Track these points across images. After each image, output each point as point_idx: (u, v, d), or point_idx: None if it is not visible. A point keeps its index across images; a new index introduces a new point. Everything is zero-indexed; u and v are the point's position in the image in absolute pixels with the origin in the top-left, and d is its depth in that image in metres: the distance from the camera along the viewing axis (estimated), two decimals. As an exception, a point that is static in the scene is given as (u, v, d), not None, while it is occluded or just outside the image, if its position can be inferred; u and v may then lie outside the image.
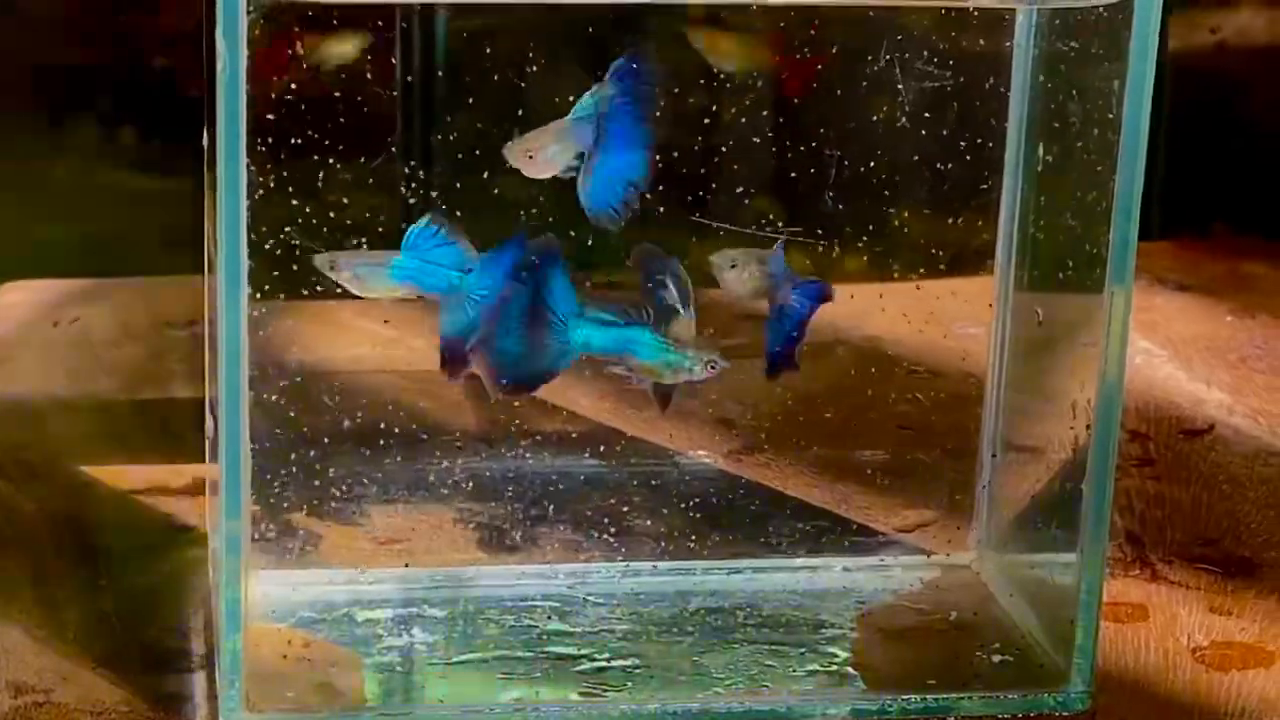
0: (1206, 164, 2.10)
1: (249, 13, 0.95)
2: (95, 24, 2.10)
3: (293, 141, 1.12)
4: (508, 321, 1.09)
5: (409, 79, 1.17)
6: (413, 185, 1.17)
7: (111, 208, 2.09)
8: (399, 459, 1.20)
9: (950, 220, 1.21)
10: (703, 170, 1.19)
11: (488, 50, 1.19)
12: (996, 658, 1.14)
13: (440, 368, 1.10)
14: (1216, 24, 2.07)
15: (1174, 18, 2.08)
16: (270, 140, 1.10)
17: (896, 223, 1.22)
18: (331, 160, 1.13)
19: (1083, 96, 1.09)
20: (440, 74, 1.21)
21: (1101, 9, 1.06)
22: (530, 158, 1.07)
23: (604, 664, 1.12)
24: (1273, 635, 1.18)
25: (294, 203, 1.13)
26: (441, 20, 1.25)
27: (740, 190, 1.19)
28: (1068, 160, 1.12)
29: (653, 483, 1.23)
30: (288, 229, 1.13)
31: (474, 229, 1.15)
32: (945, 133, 1.18)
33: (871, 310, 1.25)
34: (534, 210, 1.16)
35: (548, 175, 1.08)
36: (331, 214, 1.14)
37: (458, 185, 1.16)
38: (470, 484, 1.22)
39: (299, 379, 1.18)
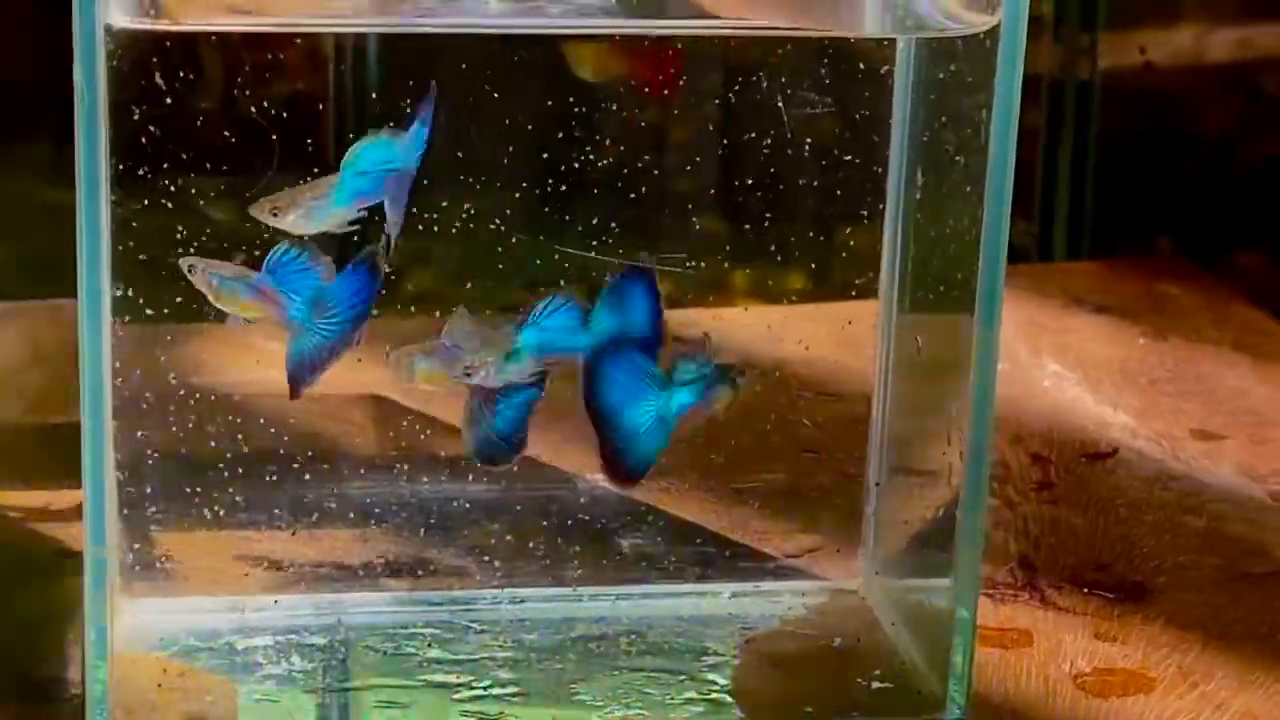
0: (1141, 184, 2.10)
1: (105, 44, 0.95)
2: (42, 40, 2.10)
3: (183, 160, 1.12)
4: (610, 415, 1.10)
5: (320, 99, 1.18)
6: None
7: (57, 227, 2.08)
8: (287, 483, 1.20)
9: (852, 244, 1.21)
10: (595, 198, 1.19)
11: (380, 68, 1.19)
12: (876, 684, 1.14)
13: (290, 393, 1.10)
14: (1145, 43, 2.07)
15: (1104, 36, 2.09)
16: (161, 160, 1.11)
17: (800, 246, 1.22)
18: (219, 177, 1.14)
19: (956, 124, 1.09)
20: (338, 94, 1.21)
21: (981, 35, 1.06)
22: (274, 215, 1.06)
23: (482, 691, 1.12)
24: (1155, 661, 1.18)
25: (192, 222, 1.13)
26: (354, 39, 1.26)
27: (632, 219, 1.20)
28: (943, 187, 1.12)
29: (545, 508, 1.23)
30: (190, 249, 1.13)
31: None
32: (834, 157, 1.18)
33: (777, 334, 1.25)
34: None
35: (313, 231, 1.07)
36: (220, 230, 1.14)
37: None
38: (358, 509, 1.21)
39: (185, 401, 1.18)
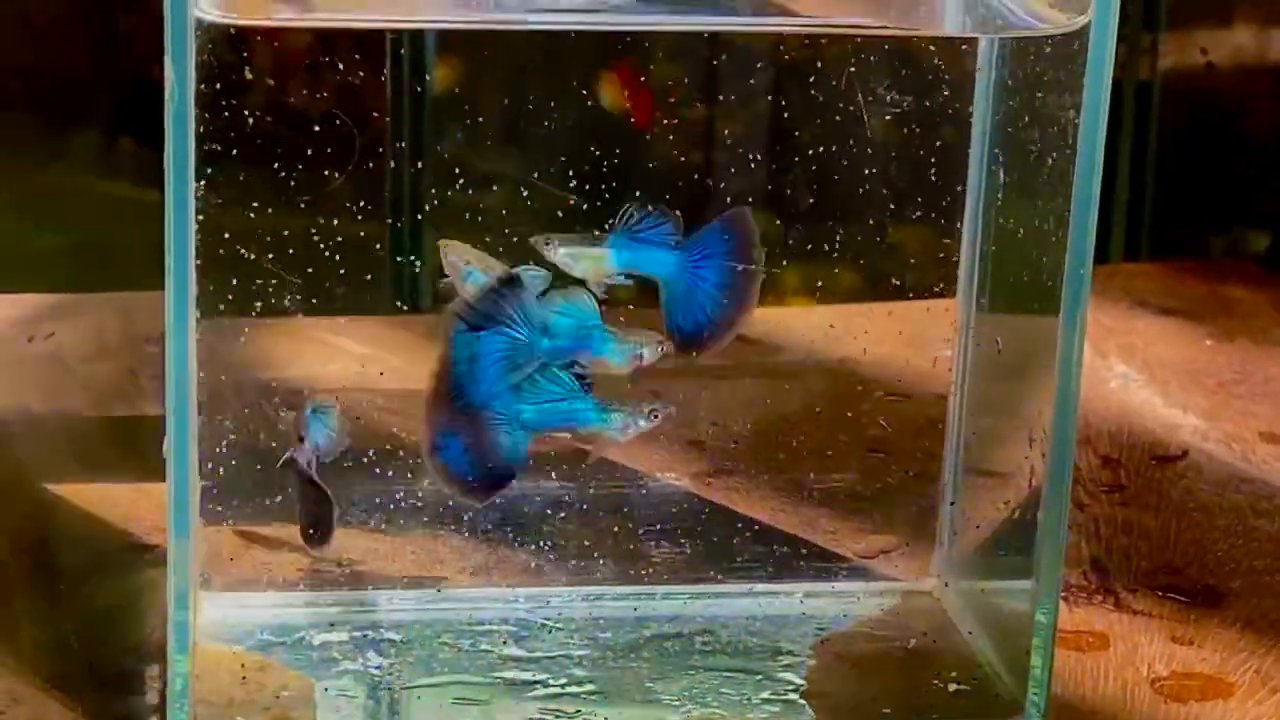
0: (1201, 184, 2.09)
1: (195, 35, 0.95)
2: (93, 31, 2.11)
3: (267, 155, 1.12)
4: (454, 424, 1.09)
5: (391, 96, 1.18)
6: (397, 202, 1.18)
7: (108, 218, 2.09)
8: (362, 479, 1.20)
9: (926, 242, 1.21)
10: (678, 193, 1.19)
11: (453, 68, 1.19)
12: (953, 687, 1.13)
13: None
14: (1206, 44, 2.06)
15: (1165, 37, 2.08)
16: (244, 155, 1.11)
17: (875, 244, 1.22)
18: (304, 174, 1.14)
19: (1041, 123, 1.09)
20: (412, 91, 1.21)
21: (1080, 34, 1.05)
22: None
23: (559, 689, 1.11)
24: (1233, 666, 1.18)
25: (265, 216, 1.14)
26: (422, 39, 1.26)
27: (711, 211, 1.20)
28: (1027, 185, 1.11)
29: (618, 506, 1.23)
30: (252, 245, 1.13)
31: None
32: (919, 156, 1.18)
33: (846, 333, 1.24)
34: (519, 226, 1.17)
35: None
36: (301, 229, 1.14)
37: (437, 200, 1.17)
38: (433, 506, 1.21)
39: (265, 396, 1.18)
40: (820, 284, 1.23)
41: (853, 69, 1.15)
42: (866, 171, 1.18)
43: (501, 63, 1.19)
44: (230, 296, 1.13)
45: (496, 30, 1.14)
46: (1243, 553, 1.31)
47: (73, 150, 2.10)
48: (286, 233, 1.14)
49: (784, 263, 1.20)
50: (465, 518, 1.20)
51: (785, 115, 1.20)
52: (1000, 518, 1.16)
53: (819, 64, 1.18)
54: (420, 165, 1.20)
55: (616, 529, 1.22)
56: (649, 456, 1.27)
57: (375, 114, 1.16)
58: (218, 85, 1.07)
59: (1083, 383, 1.07)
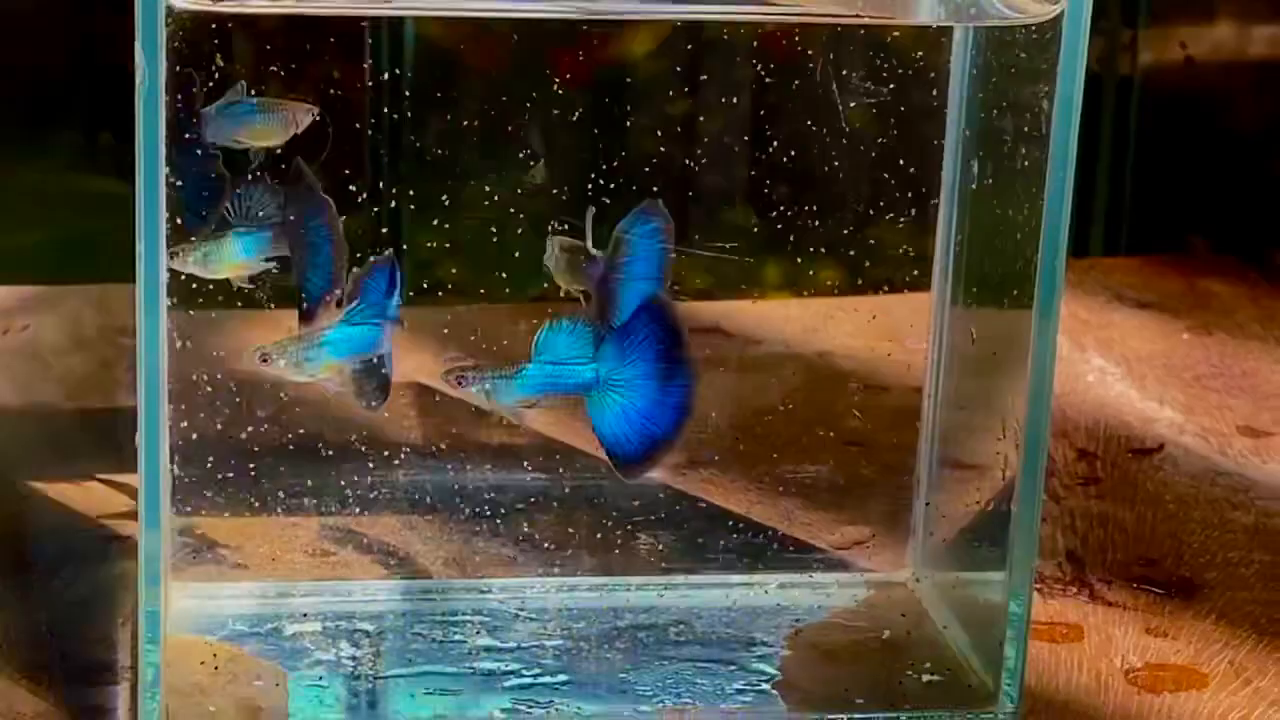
0: (1180, 179, 2.09)
1: (167, 24, 0.95)
2: (72, 26, 2.10)
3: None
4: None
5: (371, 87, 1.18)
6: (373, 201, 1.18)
7: (88, 213, 2.08)
8: (336, 471, 1.20)
9: (902, 234, 1.21)
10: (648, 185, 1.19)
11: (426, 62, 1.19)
12: (927, 677, 1.13)
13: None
14: (1185, 39, 2.06)
15: (1145, 32, 2.08)
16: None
17: (850, 237, 1.21)
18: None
19: (1015, 113, 1.09)
20: (386, 83, 1.21)
21: (1054, 23, 1.05)
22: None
23: (531, 680, 1.11)
24: (1208, 657, 1.18)
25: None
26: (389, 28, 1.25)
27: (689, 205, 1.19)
28: (1001, 177, 1.11)
29: (593, 497, 1.23)
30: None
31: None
32: (892, 148, 1.18)
33: (821, 326, 1.24)
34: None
35: None
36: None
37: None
38: (407, 497, 1.21)
39: (236, 388, 1.18)
40: (796, 276, 1.23)
41: (810, 57, 1.15)
42: (841, 164, 1.18)
43: (479, 51, 1.18)
44: (201, 287, 1.13)
45: (472, 18, 1.14)
46: (1218, 545, 1.31)
47: (47, 146, 2.09)
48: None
49: (751, 258, 1.20)
50: (439, 507, 1.20)
51: (759, 108, 1.20)
52: (974, 510, 1.16)
53: (793, 56, 1.17)
54: (399, 154, 1.20)
55: (592, 520, 1.22)
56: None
57: (352, 102, 1.16)
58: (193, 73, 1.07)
59: (1059, 376, 1.07)
